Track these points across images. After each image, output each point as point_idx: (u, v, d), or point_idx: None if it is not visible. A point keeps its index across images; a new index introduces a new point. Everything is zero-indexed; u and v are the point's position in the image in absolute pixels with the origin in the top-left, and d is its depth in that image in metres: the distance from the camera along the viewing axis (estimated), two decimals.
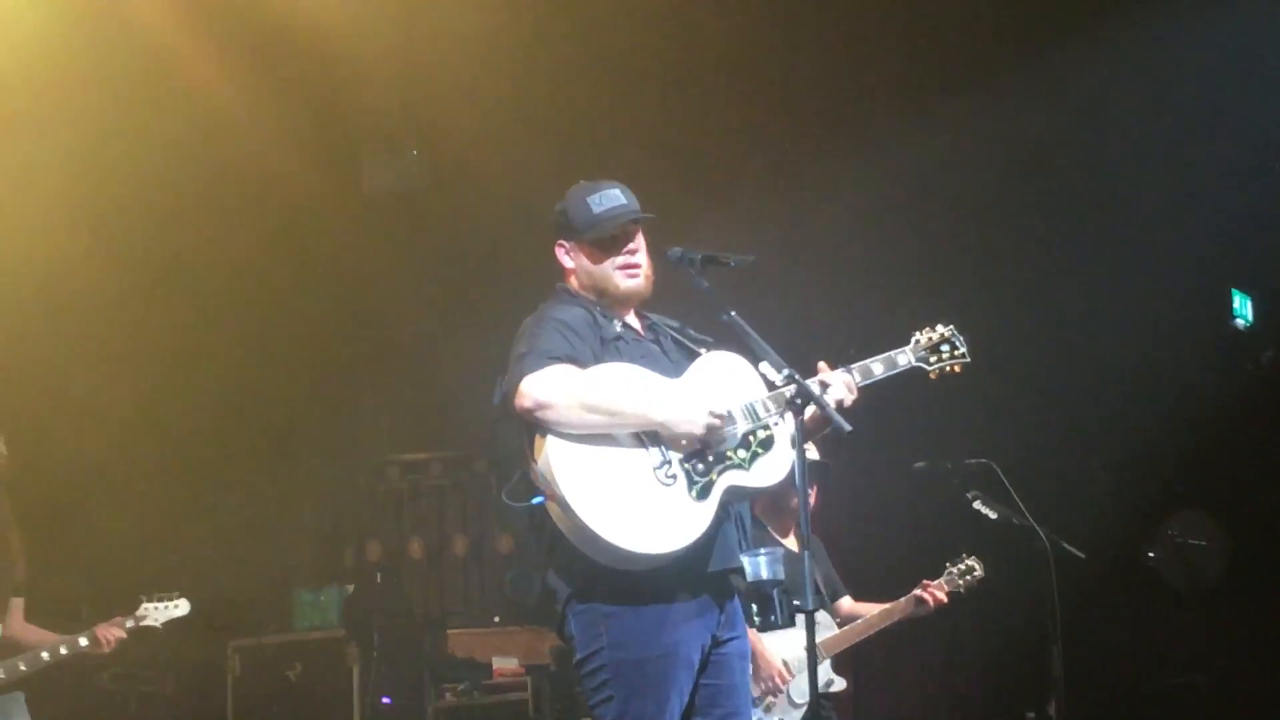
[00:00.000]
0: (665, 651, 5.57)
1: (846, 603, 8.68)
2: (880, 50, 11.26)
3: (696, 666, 5.66)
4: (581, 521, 5.41)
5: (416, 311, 12.03)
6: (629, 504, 5.47)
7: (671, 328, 6.04)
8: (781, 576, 7.05)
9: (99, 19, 9.78)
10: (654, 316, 6.04)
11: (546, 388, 5.47)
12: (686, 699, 5.63)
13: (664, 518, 5.52)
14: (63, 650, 8.10)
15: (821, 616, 8.32)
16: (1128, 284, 11.57)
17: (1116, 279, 11.59)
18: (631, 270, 5.88)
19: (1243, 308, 12.23)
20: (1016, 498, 8.71)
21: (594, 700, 5.62)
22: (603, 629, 5.56)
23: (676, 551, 5.51)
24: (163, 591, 8.52)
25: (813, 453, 8.15)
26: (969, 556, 8.64)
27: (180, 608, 8.51)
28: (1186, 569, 11.83)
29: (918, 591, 8.55)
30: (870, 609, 8.60)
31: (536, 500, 5.53)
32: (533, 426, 5.54)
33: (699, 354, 5.94)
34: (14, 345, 10.02)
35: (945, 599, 8.58)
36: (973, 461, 8.95)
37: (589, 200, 5.91)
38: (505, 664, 11.88)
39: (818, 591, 8.38)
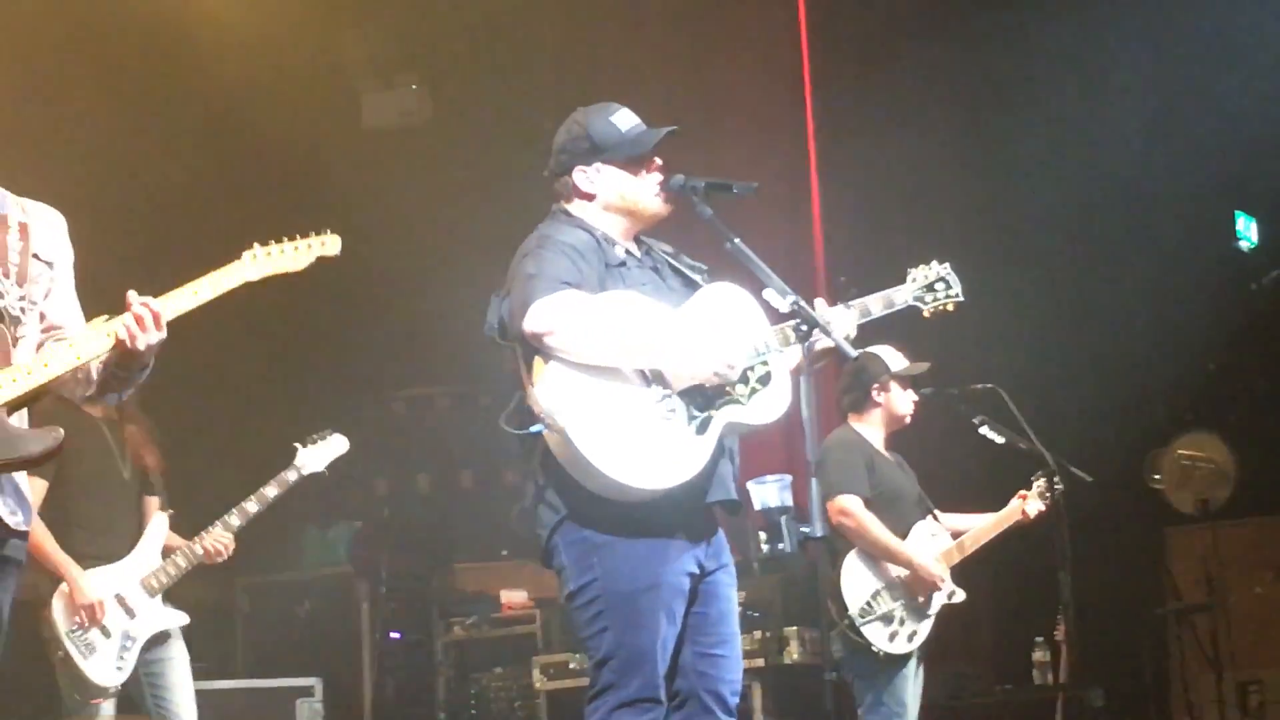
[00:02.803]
0: (658, 582, 5.53)
1: (945, 518, 8.73)
2: None
3: (687, 597, 5.63)
4: (579, 452, 5.38)
5: (419, 245, 12.00)
6: (628, 436, 5.45)
7: (667, 254, 6.00)
8: (789, 504, 7.10)
9: None
10: (649, 241, 6.01)
11: (556, 313, 5.43)
12: (679, 629, 5.61)
13: (662, 451, 5.49)
14: (182, 564, 8.10)
15: (935, 526, 8.42)
16: (1131, 206, 11.55)
17: (1119, 201, 11.56)
18: (661, 193, 5.85)
19: (1246, 229, 12.22)
20: (1023, 422, 8.71)
21: (587, 632, 5.59)
22: (595, 560, 5.52)
23: (675, 486, 5.49)
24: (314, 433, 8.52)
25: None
26: (1043, 474, 8.70)
27: (340, 443, 8.50)
28: (1193, 491, 11.85)
29: (1018, 502, 8.63)
30: (971, 520, 8.67)
31: (535, 429, 5.50)
32: (534, 351, 5.51)
33: (696, 281, 5.90)
34: None
35: (1041, 511, 8.69)
36: (978, 387, 8.95)
37: (612, 120, 5.87)
38: (514, 597, 11.90)
39: (921, 501, 8.47)
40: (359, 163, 12.16)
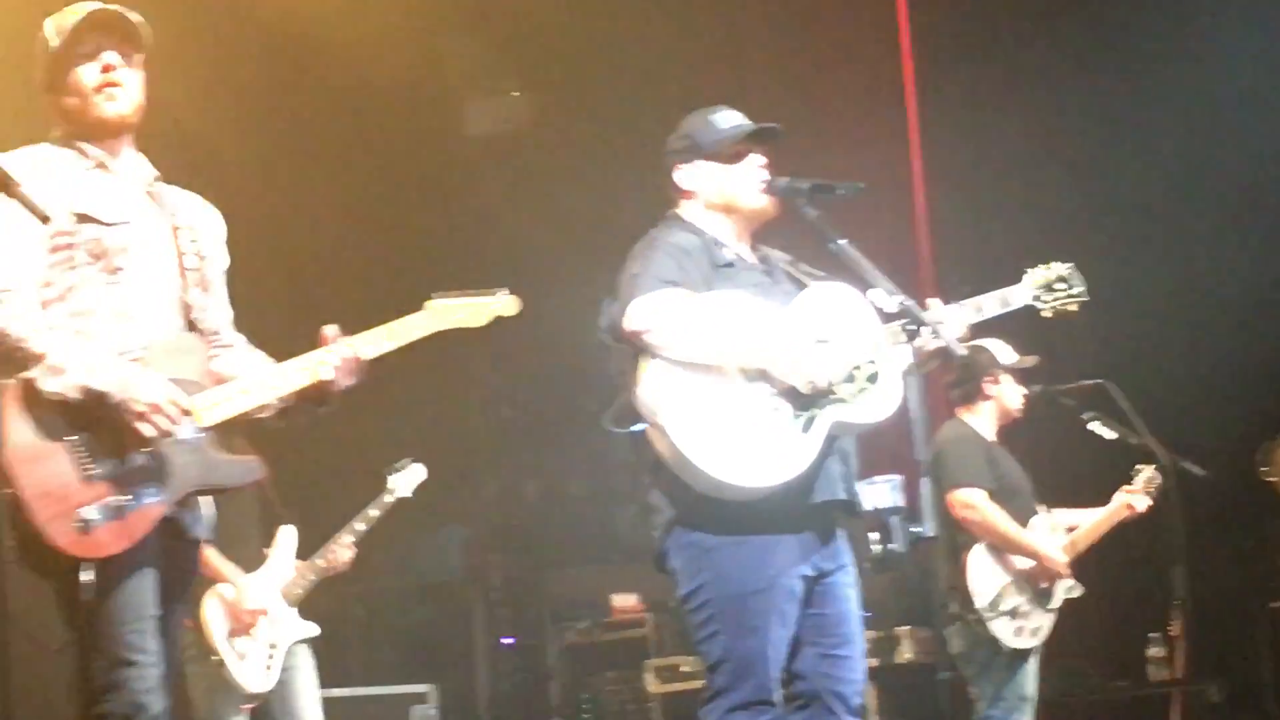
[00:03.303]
0: (769, 585, 5.51)
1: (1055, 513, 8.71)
2: None
3: (800, 598, 5.61)
4: (680, 450, 5.38)
5: (520, 253, 12.03)
6: (732, 435, 5.44)
7: (784, 260, 6.00)
8: (900, 504, 7.07)
9: None
10: (766, 249, 6.00)
11: (657, 311, 5.43)
12: (792, 631, 5.59)
13: (767, 450, 5.48)
14: (311, 576, 8.29)
15: (1051, 519, 8.41)
16: (1242, 195, 11.42)
17: (1231, 190, 11.44)
18: (766, 189, 5.85)
19: None
20: (1133, 416, 8.65)
21: (699, 636, 5.58)
22: (705, 563, 5.52)
23: (778, 485, 5.47)
24: (395, 463, 8.68)
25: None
26: (1147, 467, 8.65)
27: (418, 472, 8.66)
28: None
29: (1123, 497, 8.60)
30: (1079, 515, 8.65)
31: (638, 427, 5.51)
32: (638, 350, 5.52)
33: (804, 283, 5.90)
34: None
35: (1146, 507, 8.66)
36: (1087, 383, 8.91)
37: (712, 119, 5.89)
38: (625, 600, 11.91)
39: (1034, 495, 8.46)
40: (462, 169, 12.22)
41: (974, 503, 8.09)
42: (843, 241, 5.60)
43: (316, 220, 11.53)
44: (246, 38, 10.61)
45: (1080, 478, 9.17)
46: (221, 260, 5.28)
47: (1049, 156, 11.43)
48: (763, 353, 5.51)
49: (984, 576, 8.10)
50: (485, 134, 12.67)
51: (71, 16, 5.03)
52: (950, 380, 8.58)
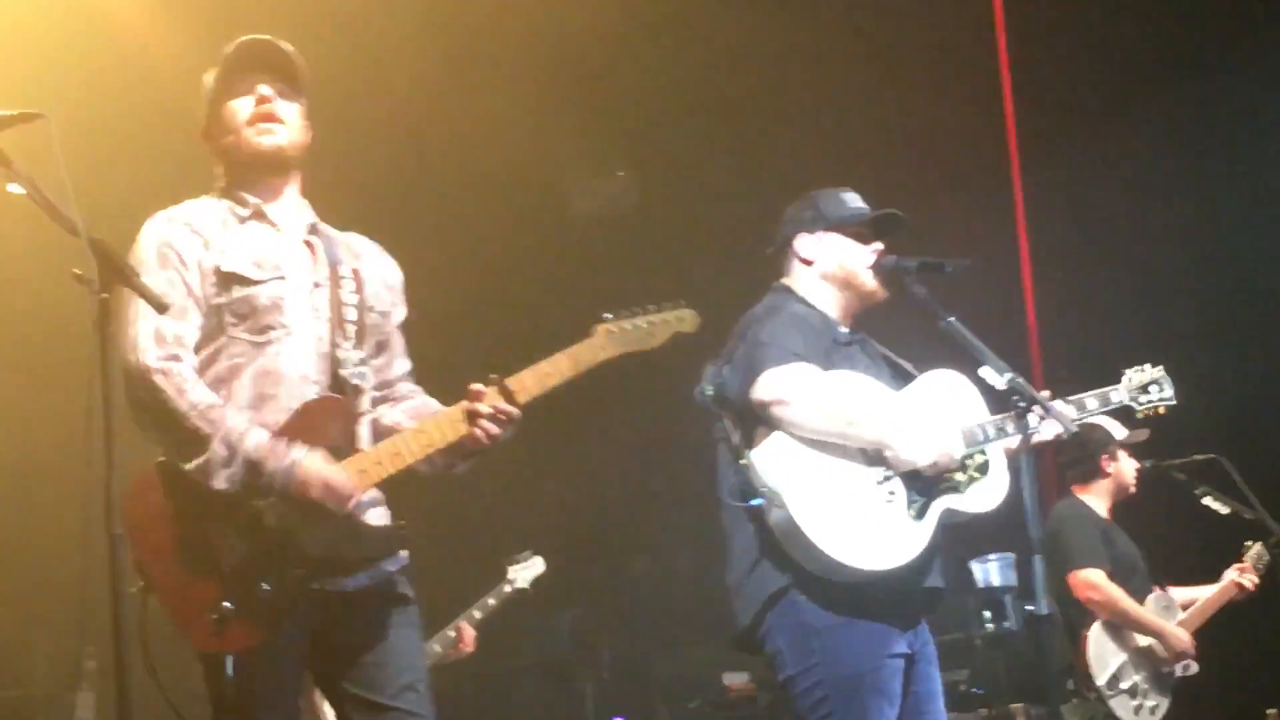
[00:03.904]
0: (880, 665, 5.56)
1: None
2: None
3: (902, 678, 5.64)
4: (800, 529, 5.39)
5: None
6: (848, 516, 5.47)
7: (880, 348, 6.03)
8: (1014, 582, 7.06)
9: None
10: (863, 333, 6.03)
11: (789, 383, 5.45)
12: (897, 710, 5.60)
13: (882, 534, 5.51)
14: (437, 647, 8.32)
15: (1166, 598, 8.39)
16: None
17: None
18: (876, 274, 5.88)
19: None
20: (1247, 491, 8.59)
21: (811, 718, 5.59)
22: (815, 645, 5.54)
23: (891, 570, 5.49)
24: (516, 553, 8.72)
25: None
26: (1255, 543, 8.61)
27: (537, 565, 8.68)
28: None
29: (1235, 577, 8.56)
30: (1191, 592, 8.62)
31: (755, 502, 5.51)
32: (756, 422, 5.54)
33: (909, 372, 5.93)
34: None
35: (1255, 583, 8.68)
36: (1200, 457, 8.86)
37: (842, 196, 5.96)
38: (736, 679, 11.86)
39: (1146, 572, 8.44)
40: (569, 248, 12.28)
41: (1097, 583, 8.09)
42: (952, 319, 5.62)
43: (428, 299, 11.59)
44: (365, 125, 10.73)
45: (1194, 553, 9.10)
46: (396, 310, 5.15)
47: (1155, 232, 11.37)
48: (892, 431, 5.52)
49: (1103, 654, 8.09)
50: (591, 214, 12.72)
51: (225, 51, 4.98)
52: (1065, 459, 8.58)
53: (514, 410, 4.68)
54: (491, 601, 8.52)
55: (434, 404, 4.95)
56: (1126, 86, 11.29)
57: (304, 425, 4.63)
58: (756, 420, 5.56)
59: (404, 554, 4.87)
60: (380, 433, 4.92)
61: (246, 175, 4.94)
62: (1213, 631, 8.61)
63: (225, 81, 4.95)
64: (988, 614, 9.93)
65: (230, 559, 4.45)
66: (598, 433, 12.88)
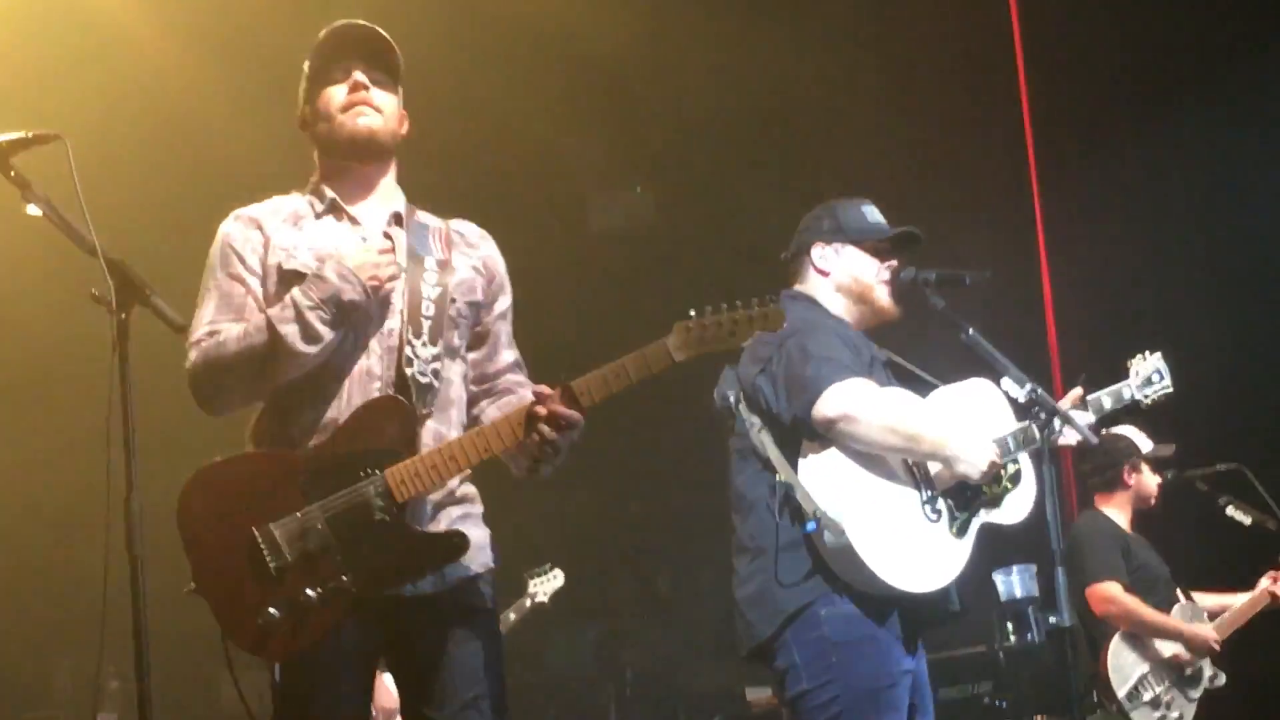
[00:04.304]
0: (894, 680, 5.55)
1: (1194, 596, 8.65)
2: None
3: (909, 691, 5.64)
4: (856, 553, 5.37)
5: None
6: (900, 538, 5.47)
7: (892, 357, 6.02)
8: (1035, 593, 7.05)
9: None
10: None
11: (855, 399, 5.43)
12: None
13: (928, 554, 5.52)
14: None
15: (1191, 608, 8.39)
16: None
17: None
18: (893, 289, 5.87)
19: None
20: (1270, 501, 8.57)
21: None
22: (833, 659, 5.51)
23: (937, 590, 5.49)
24: (536, 566, 8.65)
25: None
26: None
27: (558, 578, 8.60)
28: None
29: (1267, 583, 8.55)
30: (1220, 599, 8.59)
31: (809, 527, 5.46)
32: (802, 437, 5.51)
33: (926, 381, 5.92)
34: None
35: None
36: (1222, 467, 8.84)
37: (862, 209, 5.93)
38: (759, 694, 11.83)
39: (1172, 582, 8.41)
40: (586, 264, 12.27)
41: (1113, 595, 8.08)
42: (972, 330, 5.61)
43: None
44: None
45: (1218, 563, 9.08)
46: (498, 300, 5.02)
47: (1174, 242, 11.35)
48: (951, 443, 5.51)
49: (1123, 666, 8.07)
50: (609, 229, 12.72)
51: (320, 36, 4.87)
52: (1088, 469, 8.56)
53: (573, 414, 4.50)
54: (512, 616, 8.45)
55: (529, 399, 4.66)
56: (1144, 100, 11.26)
57: (360, 427, 4.52)
58: (801, 436, 5.54)
59: (485, 559, 4.80)
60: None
61: (339, 163, 4.85)
62: (1240, 642, 8.58)
63: (320, 68, 4.85)
64: (1010, 626, 9.91)
65: (277, 563, 4.37)
66: (621, 447, 12.87)
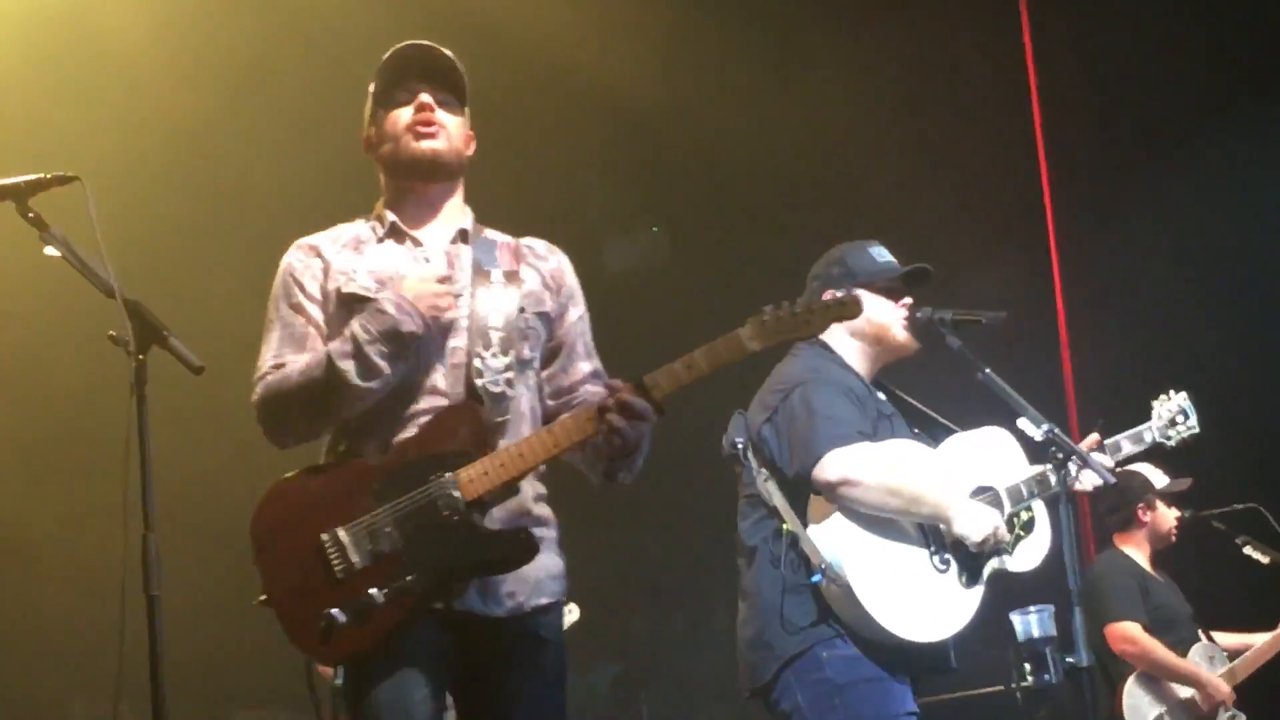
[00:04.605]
0: None
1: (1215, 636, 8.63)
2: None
3: None
4: (861, 605, 5.39)
5: None
6: (907, 589, 5.50)
7: (903, 396, 6.03)
8: (1053, 633, 7.05)
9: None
10: (884, 383, 6.03)
11: (855, 465, 5.46)
12: None
13: (936, 605, 5.54)
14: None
15: (1212, 648, 8.36)
16: None
17: None
18: (909, 325, 5.88)
19: None
20: None
21: None
22: (837, 702, 5.52)
23: (946, 640, 5.51)
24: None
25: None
26: None
27: (573, 613, 8.57)
28: None
29: None
30: (1243, 639, 8.58)
31: (815, 579, 5.48)
32: (809, 492, 5.53)
33: (940, 423, 5.93)
34: None
35: None
36: (1239, 507, 8.82)
37: (870, 251, 5.95)
38: None
39: (1194, 621, 8.39)
40: (602, 304, 12.29)
41: (1132, 635, 8.07)
42: (988, 370, 5.62)
43: None
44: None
45: (1237, 601, 9.06)
46: (569, 311, 4.99)
47: (1190, 281, 11.33)
48: (951, 509, 5.52)
49: (1139, 706, 8.06)
50: (624, 269, 12.74)
51: (384, 57, 4.83)
52: (1104, 507, 8.56)
53: (643, 404, 4.41)
54: None
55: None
56: (1162, 138, 11.25)
57: (433, 433, 4.48)
58: (808, 491, 5.56)
59: (557, 588, 4.72)
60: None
61: (404, 184, 4.82)
62: (1260, 681, 8.56)
63: (385, 89, 4.82)
64: (1028, 666, 9.87)
65: (343, 568, 4.34)
66: (639, 486, 12.85)
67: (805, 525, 5.52)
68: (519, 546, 4.48)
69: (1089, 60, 11.14)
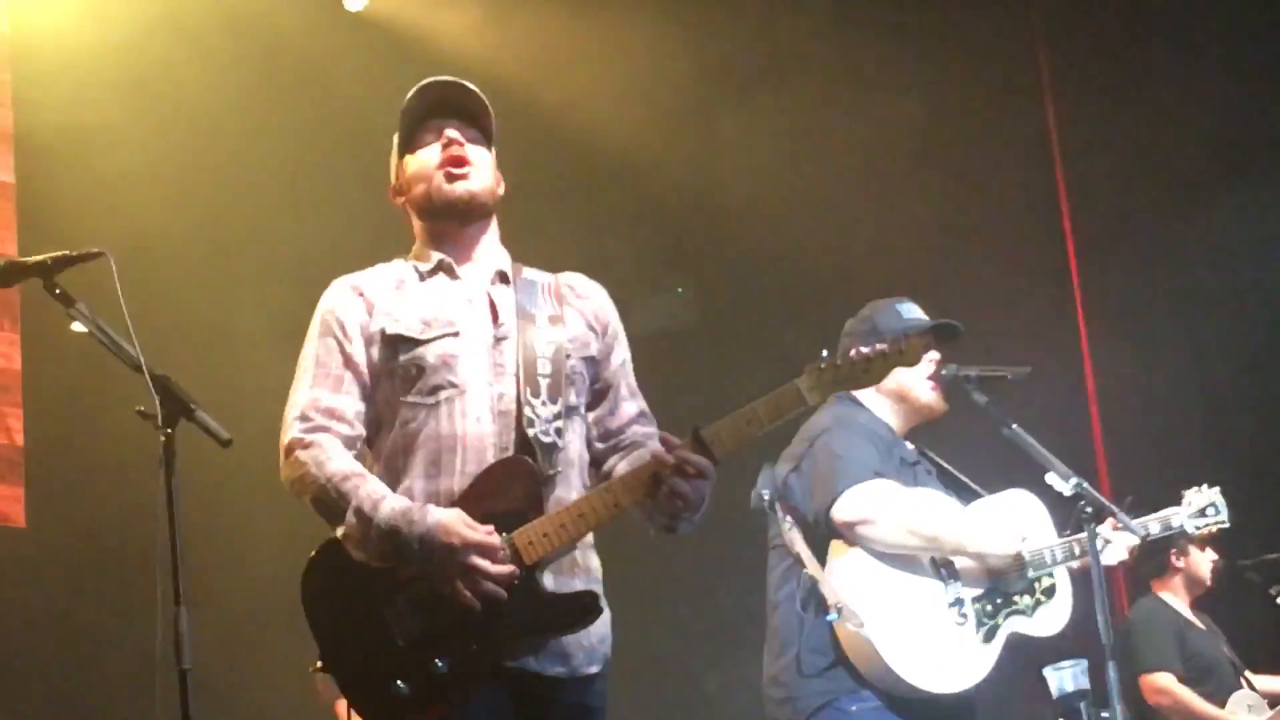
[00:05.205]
0: None
1: (1257, 680, 8.60)
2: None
3: None
4: (876, 650, 5.39)
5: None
6: (923, 638, 5.49)
7: (939, 462, 6.04)
8: (1087, 686, 7.03)
9: None
10: (922, 449, 6.04)
11: (872, 503, 5.47)
12: None
13: (952, 657, 5.54)
14: None
15: (1252, 696, 8.31)
16: None
17: None
18: (935, 386, 5.88)
19: None
20: None
21: None
22: None
23: (960, 693, 5.50)
24: None
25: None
26: None
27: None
28: None
29: None
30: None
31: (830, 618, 5.49)
32: (830, 535, 5.54)
33: (970, 487, 5.94)
34: None
35: None
36: (1273, 556, 8.81)
37: (897, 308, 5.96)
38: None
39: (1235, 667, 8.36)
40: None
41: (1166, 687, 8.04)
42: (1015, 426, 5.62)
43: None
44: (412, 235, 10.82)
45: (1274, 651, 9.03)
46: (614, 352, 4.82)
47: (1221, 335, 11.31)
48: (969, 541, 5.53)
49: None
50: (650, 329, 12.75)
51: (407, 97, 4.70)
52: (1137, 556, 8.56)
53: (702, 460, 4.28)
54: None
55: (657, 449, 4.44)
56: (1184, 191, 11.25)
57: (485, 490, 4.32)
58: (829, 534, 5.56)
59: (606, 650, 4.59)
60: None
61: (438, 227, 4.69)
62: None
63: (410, 132, 4.71)
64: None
65: (404, 635, 4.24)
66: (666, 545, 12.85)
67: (825, 571, 5.51)
68: (581, 609, 4.41)
69: (1111, 110, 11.15)
